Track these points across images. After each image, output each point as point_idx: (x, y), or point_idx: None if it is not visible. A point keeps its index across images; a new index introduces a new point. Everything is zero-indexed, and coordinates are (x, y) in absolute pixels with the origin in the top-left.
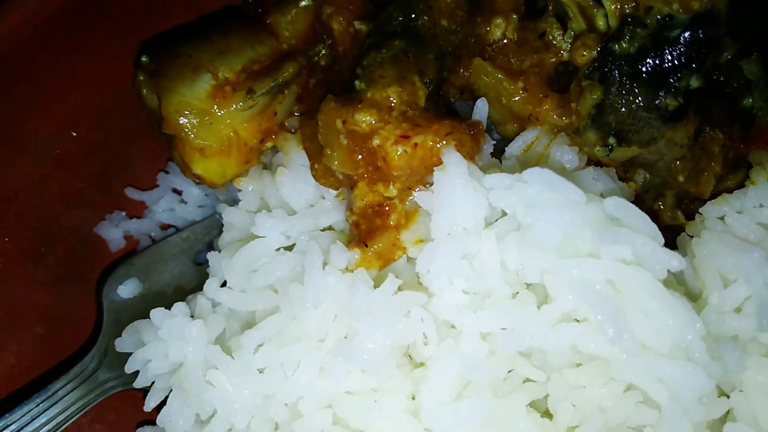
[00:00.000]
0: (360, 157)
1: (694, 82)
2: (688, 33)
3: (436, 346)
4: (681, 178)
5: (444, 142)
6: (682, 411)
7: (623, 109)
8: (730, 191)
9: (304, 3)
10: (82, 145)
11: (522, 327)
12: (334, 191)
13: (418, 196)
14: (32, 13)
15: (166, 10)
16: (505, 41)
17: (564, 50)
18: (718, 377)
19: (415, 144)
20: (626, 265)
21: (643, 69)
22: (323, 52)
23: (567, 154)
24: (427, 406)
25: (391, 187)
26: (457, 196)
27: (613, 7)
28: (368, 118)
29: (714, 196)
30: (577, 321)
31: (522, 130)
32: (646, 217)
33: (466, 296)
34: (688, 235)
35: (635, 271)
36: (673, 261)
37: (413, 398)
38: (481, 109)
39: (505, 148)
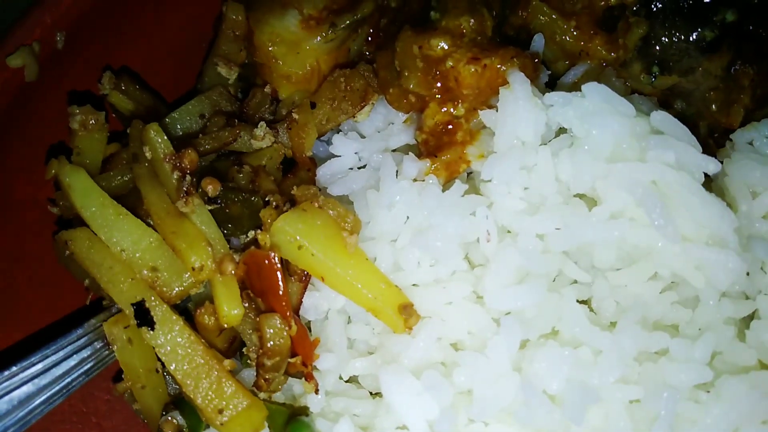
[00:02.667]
0: (433, 78)
1: (730, 16)
2: None
3: (496, 244)
4: (714, 108)
5: (509, 65)
6: (716, 300)
7: (666, 41)
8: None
9: None
10: (164, 80)
11: (574, 225)
12: (401, 118)
13: (483, 114)
14: None
15: None
16: None
17: None
18: (748, 265)
19: (485, 65)
20: (669, 168)
21: (684, 4)
22: None
23: (614, 85)
24: (491, 289)
25: (459, 106)
26: (520, 111)
27: None
28: (442, 43)
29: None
30: None
31: (572, 66)
32: (686, 128)
33: (522, 203)
34: (719, 160)
35: (677, 173)
36: (710, 165)
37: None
38: (538, 43)
39: (557, 81)
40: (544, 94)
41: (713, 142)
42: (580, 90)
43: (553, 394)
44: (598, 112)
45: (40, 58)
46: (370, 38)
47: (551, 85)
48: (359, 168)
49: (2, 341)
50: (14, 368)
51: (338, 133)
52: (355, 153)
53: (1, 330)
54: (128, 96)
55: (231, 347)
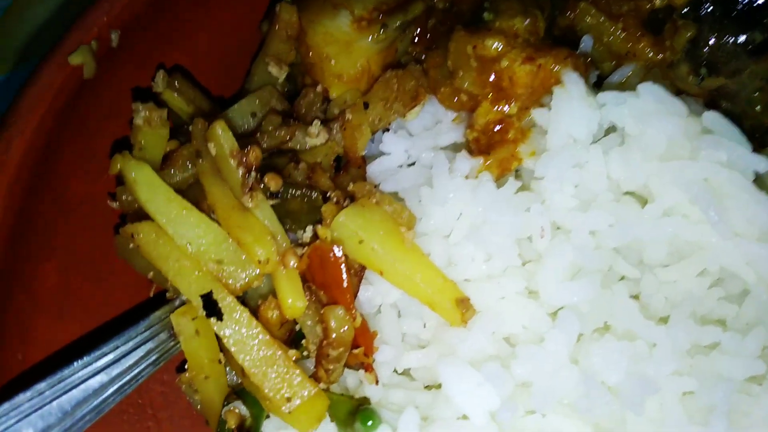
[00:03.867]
0: (486, 78)
1: None
2: None
3: (549, 240)
4: (758, 108)
5: (563, 64)
6: (766, 293)
7: (714, 43)
8: None
9: None
10: (211, 79)
11: (628, 222)
12: (449, 117)
13: (535, 113)
14: None
15: None
16: None
17: None
18: None
19: (539, 65)
20: (721, 166)
21: (734, 7)
22: None
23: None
24: (546, 285)
25: (512, 105)
26: (574, 110)
27: None
28: (497, 43)
29: None
30: None
31: (619, 67)
32: (737, 128)
33: (574, 200)
34: None
35: (729, 171)
36: (761, 163)
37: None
38: (587, 43)
39: (604, 81)
40: (595, 94)
41: (756, 141)
42: (628, 90)
43: (612, 386)
44: (652, 111)
45: (97, 55)
46: (416, 39)
47: (597, 85)
48: (408, 165)
49: (63, 335)
50: (87, 358)
51: (387, 131)
52: (405, 151)
53: (60, 325)
54: (180, 94)
55: (288, 339)
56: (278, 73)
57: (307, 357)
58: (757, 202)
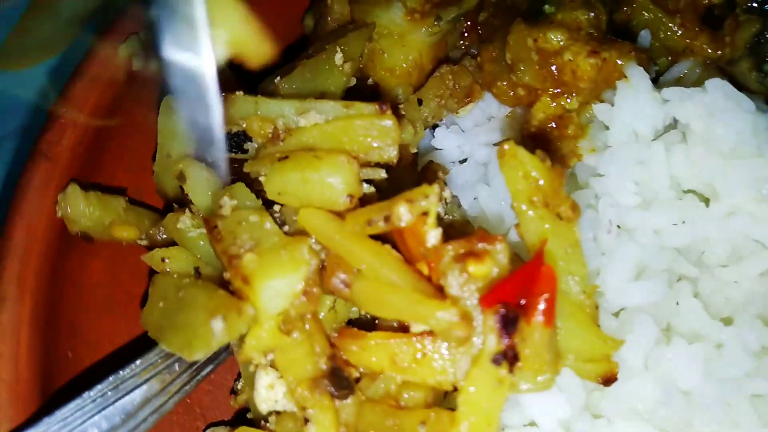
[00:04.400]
0: (548, 72)
1: None
2: None
3: (615, 237)
4: None
5: (627, 59)
6: None
7: None
8: None
9: None
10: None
11: (694, 221)
12: (502, 113)
13: (597, 108)
14: None
15: None
16: None
17: None
18: None
19: (604, 58)
20: None
21: None
22: None
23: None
24: (613, 285)
25: (573, 100)
26: (638, 106)
27: None
28: (559, 36)
29: None
30: None
31: (675, 64)
32: None
33: (637, 198)
34: None
35: None
36: None
37: None
38: (645, 38)
39: (660, 77)
40: (659, 90)
41: None
42: (686, 86)
43: (687, 390)
44: (721, 108)
45: (145, 46)
46: (465, 32)
47: (655, 82)
48: (460, 162)
49: (111, 332)
50: (149, 356)
51: (436, 126)
52: (458, 147)
53: (108, 322)
54: None
55: None
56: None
57: None
58: None
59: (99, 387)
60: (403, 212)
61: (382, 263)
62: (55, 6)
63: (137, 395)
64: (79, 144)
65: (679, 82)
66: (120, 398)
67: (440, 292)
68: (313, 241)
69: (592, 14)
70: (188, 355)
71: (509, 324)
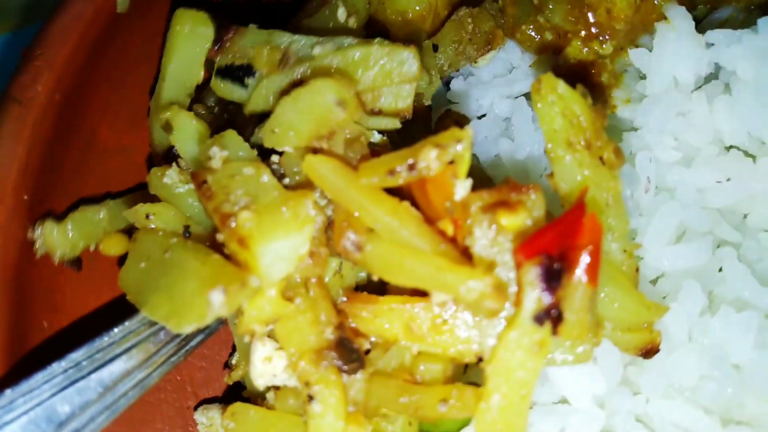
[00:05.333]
0: (580, 12)
1: None
2: None
3: (653, 196)
4: None
5: None
6: None
7: None
8: None
9: None
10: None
11: (741, 179)
12: (525, 62)
13: (633, 53)
14: None
15: None
16: None
17: None
18: None
19: None
20: None
21: None
22: None
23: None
24: (653, 248)
25: (608, 44)
26: (679, 50)
27: None
28: None
29: None
30: None
31: (714, 10)
32: None
33: (677, 154)
34: None
35: None
36: None
37: None
38: None
39: (699, 25)
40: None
41: None
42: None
43: (738, 363)
44: None
45: None
46: None
47: None
48: (478, 118)
49: (93, 299)
50: (129, 323)
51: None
52: (477, 100)
53: (90, 287)
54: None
55: None
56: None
57: None
58: None
59: (72, 356)
60: (432, 158)
61: (402, 222)
62: None
63: (116, 367)
64: (56, 90)
65: (722, 26)
66: (96, 370)
67: (466, 256)
68: (318, 194)
69: None
70: (176, 326)
71: (553, 278)
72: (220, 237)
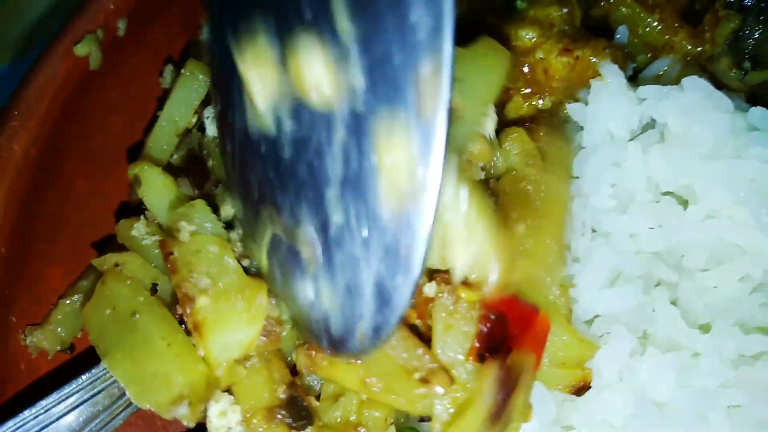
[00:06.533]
0: (520, 70)
1: None
2: None
3: (589, 241)
4: None
5: (601, 56)
6: None
7: (759, 35)
8: None
9: None
10: None
11: (671, 225)
12: None
13: (571, 107)
14: None
15: None
16: None
17: None
18: None
19: (577, 56)
20: None
21: None
22: None
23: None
24: (587, 291)
25: (546, 99)
26: (612, 105)
27: None
28: (531, 33)
29: None
30: None
31: (654, 60)
32: None
33: (612, 201)
34: None
35: None
36: None
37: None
38: (623, 35)
39: (639, 75)
40: (636, 88)
41: None
42: (665, 84)
43: (661, 402)
44: (697, 107)
45: (102, 45)
46: None
47: (632, 79)
48: None
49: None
50: (95, 371)
51: None
52: None
53: None
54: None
55: None
56: None
57: None
58: None
59: (41, 402)
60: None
61: None
62: (23, 8)
63: (84, 411)
64: (32, 146)
65: (658, 79)
66: (65, 415)
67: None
68: None
69: (566, 10)
70: (135, 397)
71: (507, 383)
72: (179, 309)
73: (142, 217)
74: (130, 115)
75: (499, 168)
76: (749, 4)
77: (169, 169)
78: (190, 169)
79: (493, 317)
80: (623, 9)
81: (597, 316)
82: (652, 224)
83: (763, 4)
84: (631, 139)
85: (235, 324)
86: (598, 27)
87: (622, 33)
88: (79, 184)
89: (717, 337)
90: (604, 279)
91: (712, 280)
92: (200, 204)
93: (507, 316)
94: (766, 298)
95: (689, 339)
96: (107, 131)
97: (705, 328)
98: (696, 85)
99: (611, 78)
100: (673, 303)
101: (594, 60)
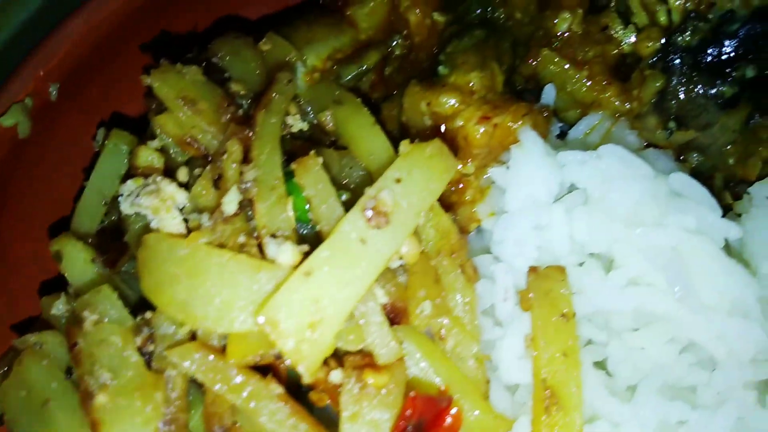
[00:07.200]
0: (441, 136)
1: (750, 72)
2: (747, 27)
3: (513, 306)
4: (731, 161)
5: (521, 122)
6: (737, 367)
7: (683, 96)
8: None
9: None
10: None
11: (591, 290)
12: None
13: (493, 172)
14: None
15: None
16: (570, 34)
17: (624, 43)
18: None
19: (495, 124)
20: (690, 233)
21: (703, 60)
22: (399, 42)
23: (628, 137)
24: (506, 360)
25: (469, 164)
26: (532, 170)
27: (677, 3)
28: (451, 100)
29: (760, 178)
30: None
31: (584, 116)
32: (706, 190)
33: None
34: (735, 213)
35: (698, 239)
36: (732, 230)
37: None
38: (549, 94)
39: (569, 131)
40: (556, 148)
41: (729, 193)
42: (594, 145)
43: None
44: (616, 174)
45: (32, 112)
46: (372, 86)
47: (562, 136)
48: None
49: None
50: None
51: None
52: None
53: None
54: None
55: None
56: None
57: None
58: (728, 272)
59: None
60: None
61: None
62: None
63: None
64: None
65: (587, 136)
66: None
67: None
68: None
69: (485, 76)
70: None
71: None
72: None
73: (62, 294)
74: (64, 180)
75: None
76: (672, 65)
77: (94, 241)
78: (109, 244)
79: (410, 428)
80: (551, 66)
81: (518, 385)
82: (574, 289)
83: (685, 68)
84: (557, 200)
85: (132, 423)
86: (528, 84)
87: (548, 93)
88: (16, 246)
89: (638, 406)
90: (524, 348)
91: (640, 340)
92: (106, 290)
93: (423, 419)
94: (695, 358)
95: (611, 409)
96: (42, 196)
97: (630, 392)
98: (613, 152)
99: (530, 144)
100: (603, 364)
101: (514, 126)
